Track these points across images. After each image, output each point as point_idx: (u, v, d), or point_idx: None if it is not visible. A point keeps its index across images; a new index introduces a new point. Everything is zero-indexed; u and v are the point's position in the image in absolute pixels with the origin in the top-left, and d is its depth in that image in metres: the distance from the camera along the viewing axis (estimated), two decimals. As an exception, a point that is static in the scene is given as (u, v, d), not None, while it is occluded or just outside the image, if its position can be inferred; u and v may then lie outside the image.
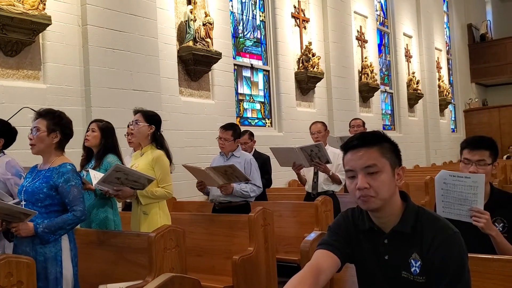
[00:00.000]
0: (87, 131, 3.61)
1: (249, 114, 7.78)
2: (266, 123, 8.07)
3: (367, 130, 5.47)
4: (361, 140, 1.58)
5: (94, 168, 3.39)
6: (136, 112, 3.40)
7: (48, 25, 4.61)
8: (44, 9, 4.57)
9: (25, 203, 2.61)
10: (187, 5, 6.36)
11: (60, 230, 2.55)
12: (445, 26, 15.49)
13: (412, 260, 1.54)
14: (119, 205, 3.97)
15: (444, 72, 14.71)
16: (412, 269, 1.54)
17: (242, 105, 7.66)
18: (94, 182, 3.14)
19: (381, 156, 1.55)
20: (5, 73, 4.55)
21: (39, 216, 2.53)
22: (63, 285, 2.55)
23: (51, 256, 2.55)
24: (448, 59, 15.51)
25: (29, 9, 4.42)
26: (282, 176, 7.13)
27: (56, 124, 2.67)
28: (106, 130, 3.57)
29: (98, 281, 2.87)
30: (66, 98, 4.87)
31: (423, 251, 1.52)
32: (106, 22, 5.21)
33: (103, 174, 3.14)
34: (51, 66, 4.84)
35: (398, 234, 1.57)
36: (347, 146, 1.61)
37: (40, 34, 4.71)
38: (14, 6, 4.34)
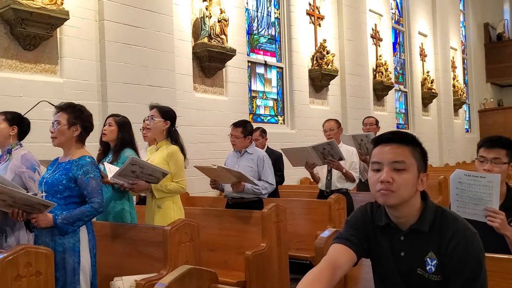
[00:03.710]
0: (104, 125, 3.65)
1: (261, 111, 7.79)
2: (279, 120, 8.08)
3: (379, 128, 5.49)
4: (396, 135, 1.59)
5: (111, 162, 3.43)
6: (152, 107, 3.43)
7: (65, 19, 4.67)
8: (62, 4, 4.62)
9: (45, 194, 2.65)
10: (203, 1, 6.39)
11: (79, 222, 2.59)
12: (461, 25, 15.32)
13: (428, 259, 1.54)
14: (134, 198, 4.02)
15: (459, 71, 14.57)
16: (428, 267, 1.54)
17: (255, 102, 7.67)
18: (110, 175, 3.18)
19: (411, 155, 1.56)
20: (23, 67, 4.61)
21: (58, 207, 2.57)
22: (80, 275, 2.59)
23: (69, 247, 2.59)
24: (463, 59, 15.35)
25: (47, 4, 4.48)
26: (294, 173, 7.13)
27: (77, 117, 2.71)
28: (123, 125, 3.62)
29: (113, 273, 2.91)
30: (82, 93, 4.92)
31: (440, 250, 1.52)
32: (122, 18, 5.26)
33: (118, 168, 3.18)
34: (68, 60, 4.90)
35: (415, 232, 1.57)
36: (380, 139, 1.61)
37: (58, 29, 4.77)
38: (33, 0, 4.40)
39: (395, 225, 1.61)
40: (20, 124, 3.10)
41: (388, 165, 1.55)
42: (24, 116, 3.21)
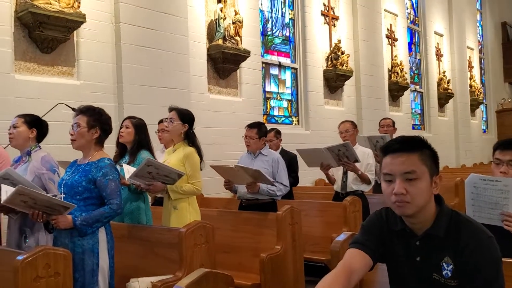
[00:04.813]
0: (121, 127, 3.70)
1: (276, 112, 7.79)
2: (293, 121, 8.07)
3: (396, 130, 5.45)
4: (403, 144, 1.56)
5: (128, 164, 3.47)
6: (171, 109, 3.46)
7: (82, 22, 4.73)
8: (79, 7, 4.68)
9: (64, 195, 2.69)
10: (218, 3, 6.41)
11: (97, 223, 2.63)
12: (477, 24, 15.13)
13: (444, 263, 1.53)
14: (149, 199, 4.05)
15: (476, 71, 14.39)
16: (444, 272, 1.53)
17: (269, 103, 7.67)
18: (127, 176, 3.22)
19: (421, 163, 1.54)
20: (41, 69, 4.68)
21: (77, 209, 2.61)
22: (99, 276, 2.62)
23: (88, 248, 2.62)
24: (480, 58, 15.15)
25: (64, 7, 4.54)
26: (308, 174, 7.11)
27: (96, 120, 2.74)
28: (139, 127, 3.66)
29: (129, 274, 2.93)
30: (99, 95, 4.98)
31: (456, 255, 1.51)
32: (138, 20, 5.31)
33: (135, 169, 3.21)
34: (85, 63, 4.96)
35: (431, 237, 1.56)
36: (388, 149, 1.59)
37: (75, 32, 4.83)
38: (50, 4, 4.46)
39: (410, 230, 1.61)
40: (39, 127, 3.14)
41: (400, 177, 1.53)
42: (43, 118, 3.26)
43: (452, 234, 1.54)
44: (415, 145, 1.56)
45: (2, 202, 2.56)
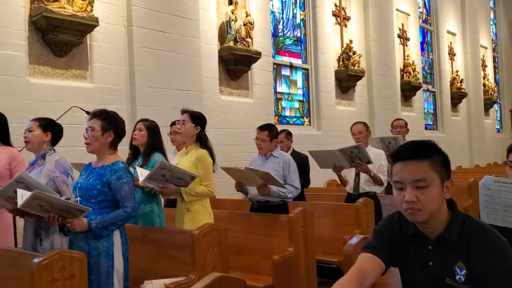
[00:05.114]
0: (134, 130, 3.73)
1: (287, 113, 7.79)
2: (305, 121, 8.06)
3: (408, 131, 5.42)
4: (412, 151, 1.54)
5: (141, 166, 3.50)
6: (183, 112, 3.49)
7: (95, 26, 4.78)
8: (92, 11, 4.73)
9: (79, 199, 2.72)
10: (229, 5, 6.43)
11: (112, 226, 2.66)
12: (491, 22, 14.97)
13: (457, 268, 1.53)
14: (162, 201, 4.08)
15: (489, 70, 14.24)
16: (457, 277, 1.53)
17: (281, 103, 7.67)
18: (141, 179, 3.25)
19: (431, 170, 1.52)
20: (55, 72, 4.74)
21: (92, 212, 2.63)
22: (114, 278, 2.65)
23: (103, 250, 2.65)
24: (494, 57, 14.99)
25: (78, 11, 4.60)
26: (320, 175, 7.09)
27: (110, 124, 2.77)
28: (152, 129, 3.70)
29: (142, 276, 2.96)
30: (112, 97, 5.03)
31: (469, 260, 1.51)
32: (150, 23, 5.35)
33: (148, 172, 3.24)
34: (98, 66, 5.01)
35: (443, 241, 1.56)
36: (398, 156, 1.57)
37: (88, 35, 4.88)
38: (64, 8, 4.51)
39: (423, 234, 1.60)
40: (54, 130, 3.18)
41: (410, 185, 1.52)
42: (57, 121, 3.30)
43: (465, 238, 1.53)
44: (425, 152, 1.54)
45: (18, 206, 2.60)
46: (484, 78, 13.71)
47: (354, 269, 1.58)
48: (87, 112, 3.04)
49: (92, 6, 4.74)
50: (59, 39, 4.61)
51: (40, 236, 2.95)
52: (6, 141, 3.54)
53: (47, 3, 4.45)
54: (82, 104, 4.26)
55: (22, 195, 2.58)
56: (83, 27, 4.68)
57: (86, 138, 2.75)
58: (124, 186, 2.68)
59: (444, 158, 1.57)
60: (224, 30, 6.38)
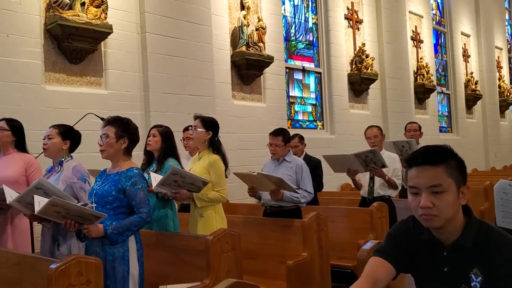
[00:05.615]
0: (148, 136, 3.77)
1: (300, 117, 7.78)
2: (318, 125, 8.04)
3: (422, 134, 5.37)
4: (427, 157, 1.53)
5: (155, 172, 3.54)
6: (195, 117, 3.52)
7: (109, 33, 4.83)
8: (105, 18, 4.79)
9: (95, 205, 2.76)
10: (241, 10, 6.46)
11: (128, 231, 2.69)
12: (506, 23, 14.79)
13: (472, 275, 1.51)
14: (176, 206, 4.10)
15: (505, 71, 14.07)
16: (472, 284, 1.51)
17: (293, 107, 7.67)
18: (154, 184, 3.28)
19: (447, 175, 1.51)
20: (70, 80, 4.81)
21: (108, 218, 2.67)
22: (129, 283, 2.67)
23: (119, 256, 2.68)
24: (509, 58, 14.80)
25: (92, 19, 4.66)
26: (334, 179, 7.06)
27: (124, 130, 2.80)
28: (166, 135, 3.74)
29: (157, 281, 2.98)
30: (126, 103, 5.08)
31: (485, 266, 1.49)
32: (163, 30, 5.40)
33: (162, 177, 3.27)
34: (112, 72, 5.07)
35: (459, 247, 1.54)
36: (413, 161, 1.56)
37: (102, 42, 4.94)
38: (78, 16, 4.58)
39: (438, 240, 1.59)
40: (72, 138, 3.22)
41: (426, 190, 1.51)
42: (76, 129, 3.35)
43: (480, 245, 1.51)
44: (440, 157, 1.53)
45: (36, 213, 2.64)
46: (499, 79, 13.55)
47: (366, 275, 1.57)
48: (102, 119, 3.07)
49: (106, 14, 4.81)
50: (74, 46, 4.67)
51: (58, 242, 2.99)
52: (23, 148, 3.60)
53: (62, 11, 4.52)
54: (97, 110, 4.31)
55: (39, 202, 2.62)
56: (97, 35, 4.74)
57: (100, 145, 2.78)
58: (139, 192, 2.71)
59: (460, 163, 1.55)
60: (236, 35, 6.41)
